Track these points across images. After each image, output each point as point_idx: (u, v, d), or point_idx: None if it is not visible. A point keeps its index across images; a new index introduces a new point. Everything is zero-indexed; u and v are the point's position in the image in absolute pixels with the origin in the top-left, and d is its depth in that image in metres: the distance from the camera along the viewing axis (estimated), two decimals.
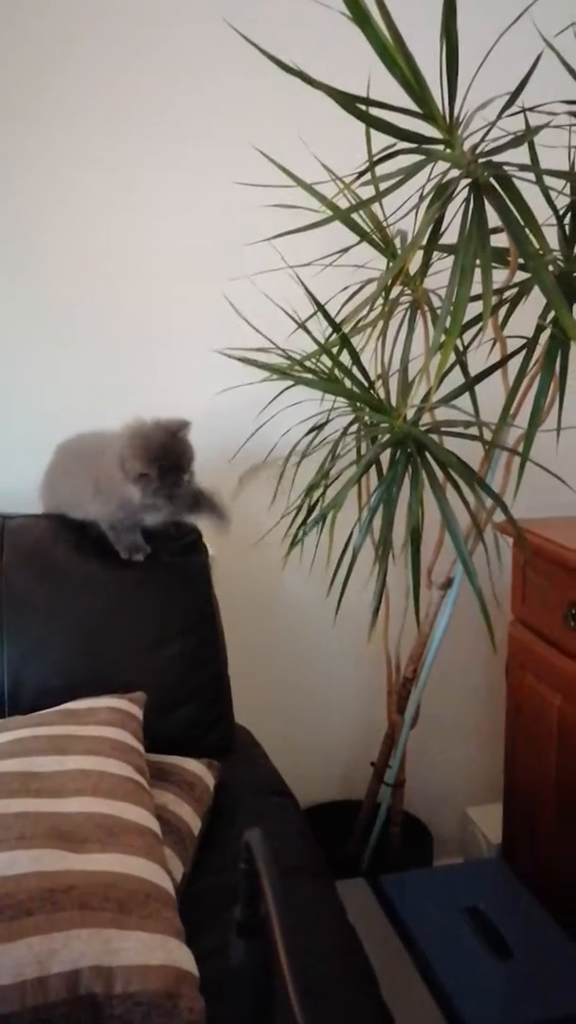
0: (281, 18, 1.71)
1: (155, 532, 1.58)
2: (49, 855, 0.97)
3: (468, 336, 1.57)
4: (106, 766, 1.16)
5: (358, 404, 1.58)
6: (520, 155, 1.30)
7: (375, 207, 1.57)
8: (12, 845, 0.97)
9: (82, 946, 0.88)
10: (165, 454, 1.43)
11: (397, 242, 1.60)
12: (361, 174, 1.37)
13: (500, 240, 1.32)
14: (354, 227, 1.54)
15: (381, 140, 1.32)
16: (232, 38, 1.64)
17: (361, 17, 1.18)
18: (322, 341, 1.56)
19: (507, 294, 1.49)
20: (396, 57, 1.21)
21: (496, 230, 1.28)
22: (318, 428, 1.69)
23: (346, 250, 1.58)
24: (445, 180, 1.27)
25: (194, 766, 1.40)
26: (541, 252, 1.29)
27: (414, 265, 1.49)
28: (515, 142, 1.25)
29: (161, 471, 1.42)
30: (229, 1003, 0.87)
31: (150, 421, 1.48)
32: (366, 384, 1.57)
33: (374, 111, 1.25)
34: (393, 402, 1.58)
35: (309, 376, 1.60)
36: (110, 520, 1.52)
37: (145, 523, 1.54)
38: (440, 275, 1.44)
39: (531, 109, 1.31)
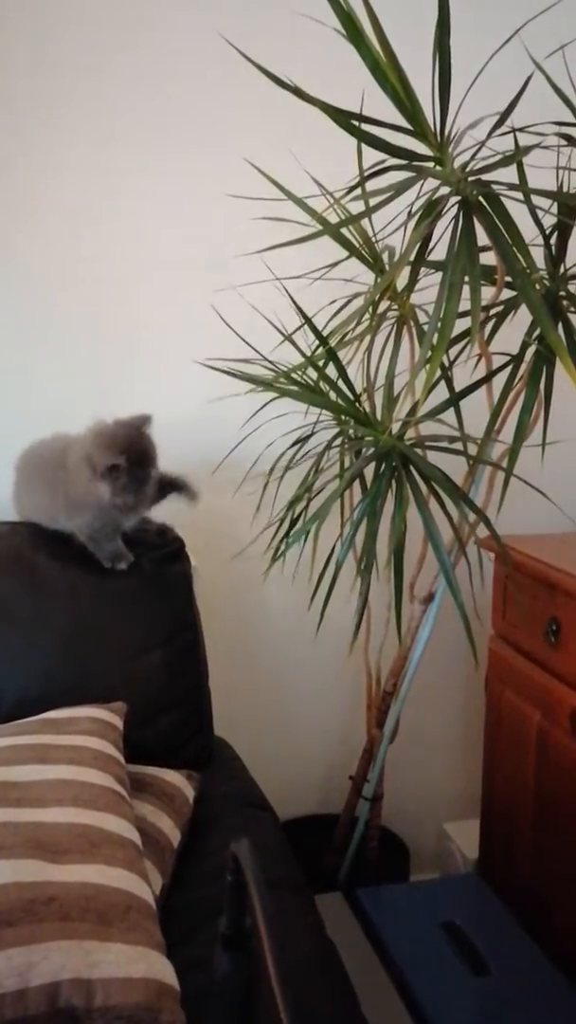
0: (273, 32, 1.72)
1: (138, 540, 1.57)
2: (29, 865, 0.96)
3: (454, 351, 1.58)
4: (87, 776, 1.15)
5: (343, 417, 1.59)
6: (508, 174, 1.32)
7: (364, 222, 1.58)
8: None
9: (62, 958, 0.87)
10: (131, 447, 1.43)
11: (385, 257, 1.61)
12: (351, 189, 1.38)
13: (486, 258, 1.33)
14: (343, 242, 1.55)
15: (371, 156, 1.33)
16: (224, 50, 1.65)
17: (355, 34, 1.19)
18: (308, 354, 1.57)
19: (493, 311, 1.51)
20: (389, 74, 1.22)
21: (483, 248, 1.29)
22: (302, 441, 1.70)
23: (334, 264, 1.58)
24: (435, 197, 1.28)
25: (173, 777, 1.39)
26: (528, 270, 1.31)
27: (401, 281, 1.50)
28: (504, 161, 1.27)
29: (130, 462, 1.42)
30: (209, 1016, 0.87)
31: (111, 420, 1.47)
32: (351, 397, 1.57)
33: (366, 127, 1.26)
34: (378, 416, 1.59)
35: (294, 388, 1.60)
36: (88, 531, 1.51)
37: (125, 527, 1.53)
38: (426, 291, 1.45)
39: (520, 129, 1.33)
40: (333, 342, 1.54)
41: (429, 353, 1.24)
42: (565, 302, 1.42)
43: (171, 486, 1.58)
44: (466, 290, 1.24)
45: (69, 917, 0.91)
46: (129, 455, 1.42)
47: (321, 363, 1.56)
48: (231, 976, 0.74)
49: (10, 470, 1.65)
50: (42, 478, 1.54)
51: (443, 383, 1.53)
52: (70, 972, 0.87)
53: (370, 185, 1.33)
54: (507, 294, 1.45)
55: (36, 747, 1.20)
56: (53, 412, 1.76)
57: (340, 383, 1.55)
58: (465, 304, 1.24)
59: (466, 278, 1.24)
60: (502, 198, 1.28)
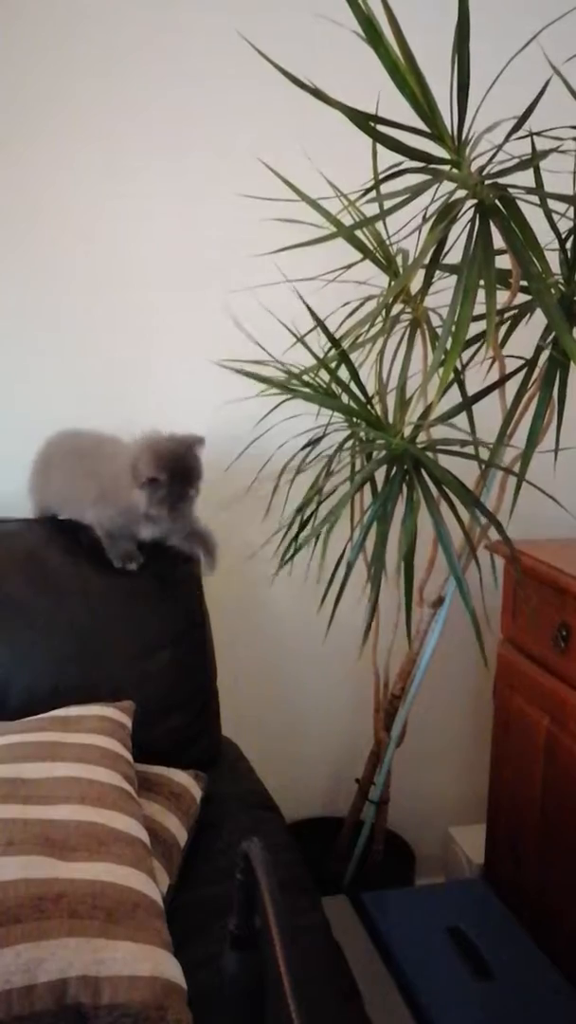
0: (289, 34, 1.72)
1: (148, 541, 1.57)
2: (38, 862, 0.96)
3: (467, 355, 1.57)
4: (95, 774, 1.15)
5: (355, 420, 1.59)
6: (525, 178, 1.32)
7: (378, 225, 1.58)
8: (1, 851, 0.96)
9: (70, 955, 0.87)
10: (177, 463, 1.46)
11: (399, 260, 1.61)
12: (367, 191, 1.38)
13: (502, 262, 1.33)
14: (357, 244, 1.55)
15: (385, 159, 1.33)
16: (238, 51, 1.65)
17: (374, 37, 1.19)
18: (321, 356, 1.57)
19: (508, 315, 1.50)
20: (407, 77, 1.22)
21: (499, 251, 1.29)
22: (314, 443, 1.70)
23: (348, 267, 1.58)
24: (451, 200, 1.28)
25: (181, 777, 1.39)
26: (543, 275, 1.30)
27: (415, 284, 1.50)
28: (522, 165, 1.27)
29: (171, 478, 1.44)
30: (216, 1016, 0.87)
31: (165, 433, 1.49)
32: (364, 400, 1.57)
33: (383, 129, 1.26)
34: (390, 419, 1.59)
35: (306, 390, 1.60)
36: (108, 526, 1.52)
37: (140, 535, 1.54)
38: (440, 294, 1.45)
39: (538, 133, 1.32)
40: (346, 344, 1.54)
41: (443, 356, 1.24)
42: None
43: (198, 541, 1.58)
44: (480, 294, 1.24)
45: (77, 914, 0.91)
46: (172, 472, 1.44)
47: (333, 365, 1.56)
48: (240, 975, 0.74)
49: (21, 469, 1.65)
50: (81, 464, 1.57)
51: (456, 386, 1.52)
52: (78, 969, 0.87)
53: (385, 188, 1.33)
54: (521, 298, 1.44)
55: (45, 744, 1.20)
56: (64, 413, 1.76)
57: (352, 385, 1.55)
58: (479, 308, 1.24)
59: (481, 282, 1.24)
60: (518, 202, 1.27)
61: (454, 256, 1.34)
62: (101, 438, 1.58)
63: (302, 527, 1.66)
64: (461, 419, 1.53)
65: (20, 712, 1.38)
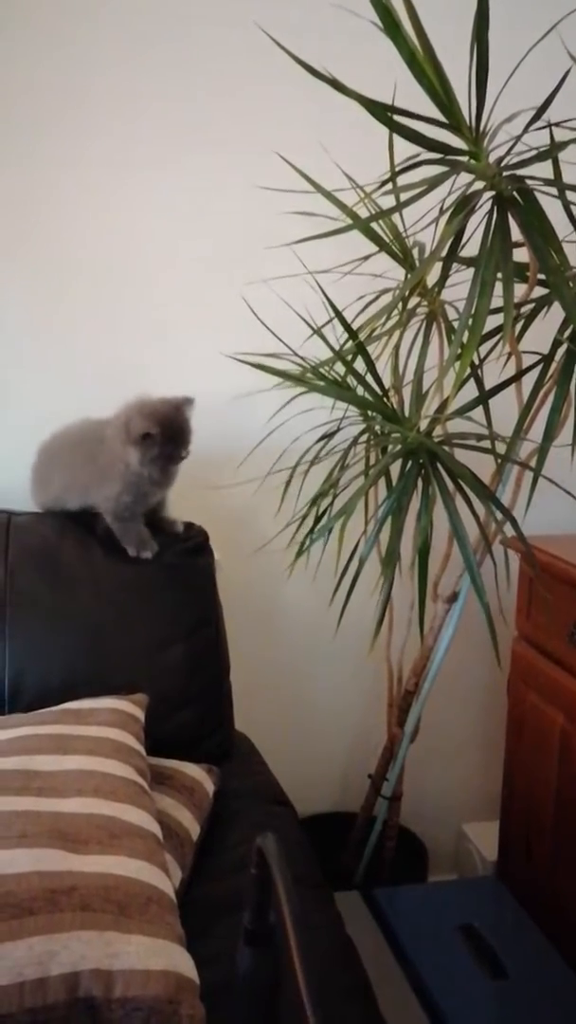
0: (303, 26, 1.71)
1: (162, 532, 1.57)
2: (50, 855, 0.96)
3: (484, 349, 1.56)
4: (108, 767, 1.15)
5: (370, 413, 1.58)
6: (543, 169, 1.31)
7: (394, 217, 1.57)
8: (13, 844, 0.96)
9: (83, 948, 0.87)
10: (170, 422, 1.46)
11: (415, 253, 1.60)
12: (384, 183, 1.37)
13: (519, 254, 1.32)
14: (373, 237, 1.54)
15: (402, 151, 1.32)
16: (253, 42, 1.64)
17: (392, 26, 1.18)
18: (336, 349, 1.56)
19: (525, 308, 1.49)
20: (425, 67, 1.21)
21: (516, 244, 1.28)
22: (328, 436, 1.69)
23: (364, 259, 1.57)
24: (469, 192, 1.27)
25: (194, 771, 1.39)
26: (562, 267, 1.29)
27: (432, 277, 1.49)
28: (540, 156, 1.25)
29: (163, 435, 1.45)
30: (228, 1011, 0.86)
31: (156, 397, 1.50)
32: (379, 393, 1.56)
33: (400, 120, 1.25)
34: (406, 412, 1.58)
35: (322, 383, 1.59)
36: (115, 507, 1.51)
37: (149, 502, 1.54)
38: (456, 288, 1.44)
39: (557, 124, 1.31)
40: (361, 338, 1.53)
41: (459, 350, 1.23)
42: None
43: (162, 524, 1.60)
44: (498, 287, 1.23)
45: (90, 908, 0.91)
46: (164, 428, 1.45)
47: (349, 358, 1.55)
48: (254, 971, 0.73)
49: (30, 464, 1.65)
50: (78, 452, 1.57)
51: (472, 380, 1.51)
52: (90, 962, 0.86)
53: (401, 180, 1.32)
54: (539, 291, 1.43)
55: (57, 737, 1.20)
56: (77, 407, 1.76)
57: (368, 378, 1.54)
58: (496, 301, 1.23)
59: (498, 275, 1.23)
60: (537, 194, 1.26)
61: (471, 249, 1.33)
62: (94, 423, 1.58)
63: (316, 520, 1.65)
64: (477, 413, 1.52)
65: (33, 705, 1.38)
